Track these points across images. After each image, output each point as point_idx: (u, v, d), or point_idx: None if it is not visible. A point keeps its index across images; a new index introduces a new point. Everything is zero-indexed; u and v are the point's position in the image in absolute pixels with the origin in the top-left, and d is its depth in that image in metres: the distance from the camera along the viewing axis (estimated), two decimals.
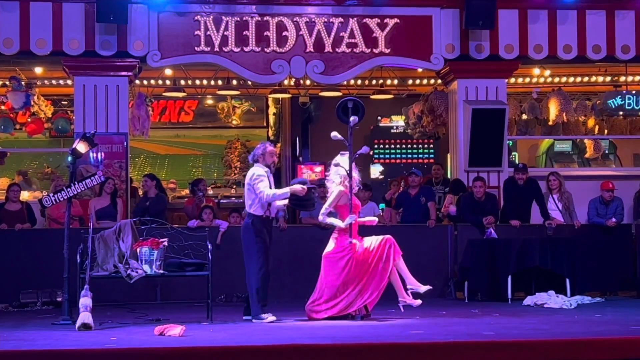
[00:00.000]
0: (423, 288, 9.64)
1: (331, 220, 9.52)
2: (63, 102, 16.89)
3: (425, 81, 16.38)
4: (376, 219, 10.18)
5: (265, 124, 20.19)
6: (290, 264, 11.98)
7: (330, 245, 9.55)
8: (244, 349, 6.95)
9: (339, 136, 9.68)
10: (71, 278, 9.40)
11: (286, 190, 9.55)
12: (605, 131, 16.39)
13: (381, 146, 18.29)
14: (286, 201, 9.61)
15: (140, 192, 14.43)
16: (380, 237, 9.63)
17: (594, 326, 8.43)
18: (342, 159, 9.65)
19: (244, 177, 19.91)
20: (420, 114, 15.83)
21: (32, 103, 14.98)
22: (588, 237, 12.42)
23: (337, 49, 13.42)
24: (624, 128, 16.34)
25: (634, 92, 15.14)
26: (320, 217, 9.64)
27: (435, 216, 13.13)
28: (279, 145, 19.18)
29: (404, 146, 18.51)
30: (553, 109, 15.33)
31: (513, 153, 16.20)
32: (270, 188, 9.44)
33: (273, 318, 9.24)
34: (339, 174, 9.59)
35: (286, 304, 11.16)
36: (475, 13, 13.16)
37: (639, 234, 12.70)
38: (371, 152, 17.02)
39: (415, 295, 9.63)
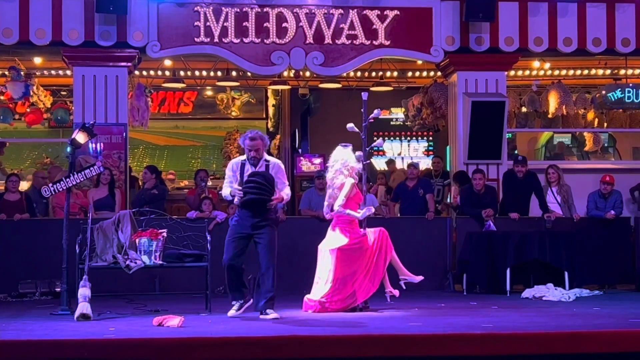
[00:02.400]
0: (417, 278, 9.75)
1: (349, 212, 9.51)
2: (62, 93, 16.89)
3: (425, 73, 16.37)
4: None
5: (264, 116, 20.21)
6: (288, 256, 11.98)
7: (341, 238, 9.47)
8: (243, 340, 6.96)
9: (355, 128, 9.70)
10: (70, 268, 9.39)
11: (227, 192, 9.01)
12: (605, 124, 16.39)
13: (380, 138, 18.32)
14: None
15: (140, 182, 14.44)
16: (376, 229, 9.66)
17: (593, 319, 8.44)
18: (345, 151, 9.63)
19: None
20: (420, 106, 15.83)
21: (31, 93, 14.96)
22: (587, 230, 12.42)
23: (337, 41, 13.40)
24: (624, 121, 16.34)
25: (633, 85, 15.11)
26: (339, 209, 9.52)
27: (434, 208, 13.14)
28: (278, 136, 19.20)
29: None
30: (553, 101, 15.32)
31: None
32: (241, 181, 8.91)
33: (233, 312, 8.98)
34: (347, 165, 9.54)
35: (284, 295, 11.16)
36: (475, 5, 13.15)
37: (638, 227, 12.70)
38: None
39: (407, 285, 9.77)
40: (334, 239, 9.54)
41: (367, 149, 9.79)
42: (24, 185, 14.27)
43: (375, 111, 9.93)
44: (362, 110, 9.87)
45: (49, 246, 11.06)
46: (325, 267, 9.49)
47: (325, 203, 9.80)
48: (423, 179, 13.65)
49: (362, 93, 9.99)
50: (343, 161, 9.57)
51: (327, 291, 9.39)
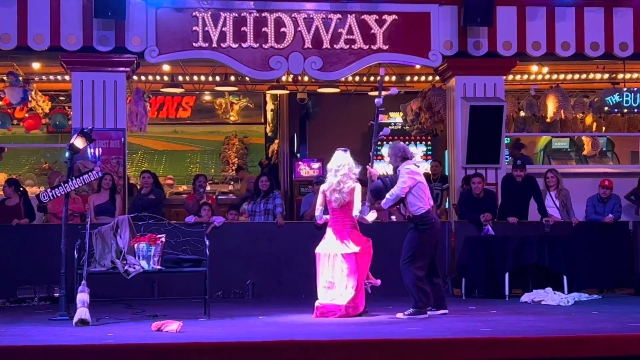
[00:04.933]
0: (377, 282, 9.80)
1: (363, 217, 9.54)
2: (61, 98, 16.88)
3: (423, 78, 16.37)
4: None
5: (263, 120, 20.21)
6: (288, 261, 11.99)
7: (351, 243, 9.44)
8: (241, 345, 6.95)
9: (382, 102, 9.89)
10: (68, 274, 9.39)
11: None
12: (603, 128, 16.40)
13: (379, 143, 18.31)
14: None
15: (139, 186, 14.43)
16: None
17: (591, 323, 8.44)
18: (347, 156, 9.62)
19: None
20: (418, 111, 15.82)
21: (30, 98, 14.96)
22: (585, 235, 12.43)
23: (335, 46, 13.40)
24: (622, 125, 16.34)
25: (632, 89, 15.13)
26: (358, 214, 9.52)
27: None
28: (276, 141, 19.20)
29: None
30: (551, 106, 15.33)
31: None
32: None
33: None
34: (352, 170, 9.54)
35: (283, 300, 11.17)
36: (473, 10, 13.15)
37: (637, 232, 12.70)
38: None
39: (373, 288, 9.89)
40: (342, 244, 9.46)
41: (379, 137, 9.90)
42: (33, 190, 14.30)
43: (385, 129, 10.03)
44: (371, 122, 9.94)
45: (47, 251, 11.05)
46: (339, 272, 9.37)
47: (320, 208, 9.73)
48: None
49: (376, 100, 10.06)
50: (349, 166, 9.56)
51: (352, 296, 9.33)
